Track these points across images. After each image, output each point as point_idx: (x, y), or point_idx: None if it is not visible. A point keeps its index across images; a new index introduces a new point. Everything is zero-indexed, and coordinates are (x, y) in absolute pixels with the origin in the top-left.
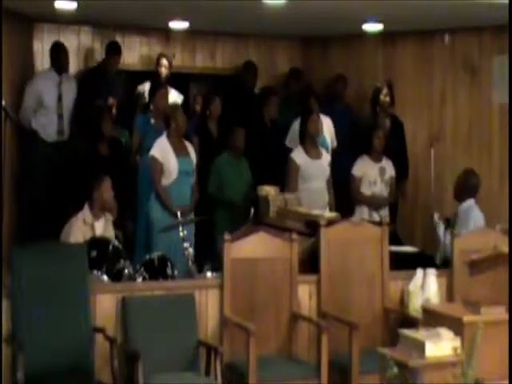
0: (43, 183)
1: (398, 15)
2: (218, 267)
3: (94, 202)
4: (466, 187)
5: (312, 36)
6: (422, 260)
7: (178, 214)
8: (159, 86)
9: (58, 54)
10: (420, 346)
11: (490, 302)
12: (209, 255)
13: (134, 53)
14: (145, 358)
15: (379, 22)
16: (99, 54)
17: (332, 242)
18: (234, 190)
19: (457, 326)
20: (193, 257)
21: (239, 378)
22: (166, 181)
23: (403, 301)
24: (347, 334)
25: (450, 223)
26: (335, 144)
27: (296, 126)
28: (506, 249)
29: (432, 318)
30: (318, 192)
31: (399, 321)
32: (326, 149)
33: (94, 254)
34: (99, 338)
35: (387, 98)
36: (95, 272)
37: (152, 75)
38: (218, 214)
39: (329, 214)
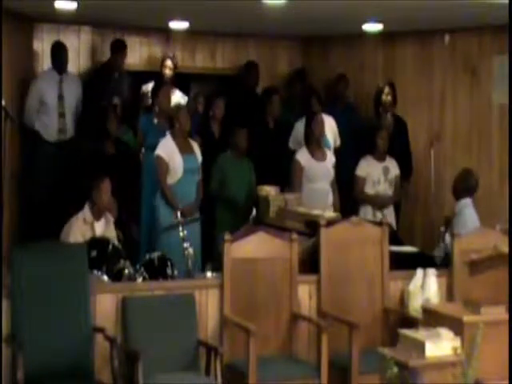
0: (45, 183)
1: (398, 15)
2: (218, 267)
3: (93, 202)
4: (465, 187)
5: (312, 36)
6: (422, 260)
7: (178, 214)
8: (162, 86)
9: (59, 53)
10: (420, 346)
11: (490, 302)
12: (209, 255)
13: (134, 53)
14: (145, 358)
15: (379, 21)
16: (99, 54)
17: (332, 242)
18: (235, 189)
19: (457, 326)
20: (193, 257)
21: (239, 378)
22: (171, 179)
23: (403, 301)
24: (347, 334)
25: (449, 223)
26: (338, 143)
27: (299, 127)
28: (505, 249)
29: (432, 318)
30: (322, 193)
31: (399, 321)
32: (328, 149)
33: (94, 253)
34: (99, 338)
35: (389, 98)
36: (95, 272)
37: (155, 75)
38: (219, 213)
39: (328, 213)
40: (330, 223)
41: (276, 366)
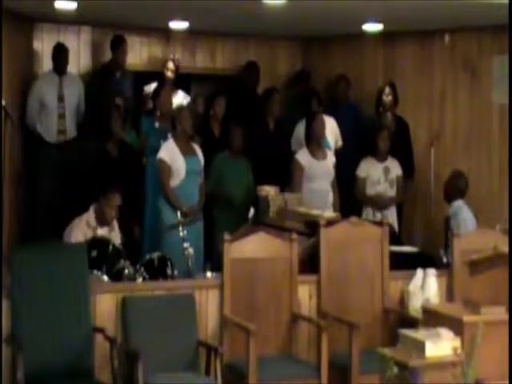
0: (47, 184)
1: (398, 15)
2: (216, 267)
3: (100, 210)
4: (455, 189)
5: (312, 36)
6: (422, 260)
7: (178, 214)
8: (163, 88)
9: (60, 55)
10: (420, 346)
11: (490, 302)
12: (210, 255)
13: (135, 53)
14: (145, 358)
15: (379, 21)
16: (99, 54)
17: (332, 242)
18: (232, 189)
19: (457, 326)
20: (193, 257)
21: (239, 378)
22: (174, 181)
23: (403, 301)
24: (347, 334)
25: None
26: (340, 144)
27: (300, 128)
28: (505, 249)
29: (432, 318)
30: (323, 193)
31: (399, 321)
32: (329, 149)
33: (94, 253)
34: (99, 338)
35: (389, 98)
36: (95, 272)
37: (156, 76)
38: (217, 213)
39: (328, 213)
40: (330, 223)
41: (276, 365)
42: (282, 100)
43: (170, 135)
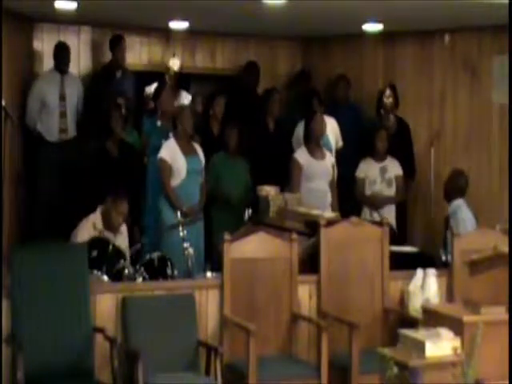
0: (47, 183)
1: (398, 15)
2: (216, 266)
3: (107, 215)
4: (455, 188)
5: (312, 36)
6: (422, 260)
7: (178, 214)
8: (164, 88)
9: (62, 54)
10: (420, 346)
11: (490, 302)
12: (208, 254)
13: (134, 53)
14: (145, 358)
15: (379, 21)
16: (99, 54)
17: (332, 242)
18: (229, 189)
19: (457, 326)
20: (193, 257)
21: (239, 378)
22: (174, 181)
23: (403, 301)
24: (347, 334)
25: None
26: (340, 144)
27: (300, 128)
28: (505, 249)
29: (432, 318)
30: (321, 192)
31: (399, 321)
32: (330, 150)
33: (94, 253)
34: (99, 338)
35: (390, 100)
36: (95, 272)
37: (157, 76)
38: (215, 213)
39: (328, 213)
40: (330, 223)
41: (276, 365)
42: (283, 100)
43: (171, 134)
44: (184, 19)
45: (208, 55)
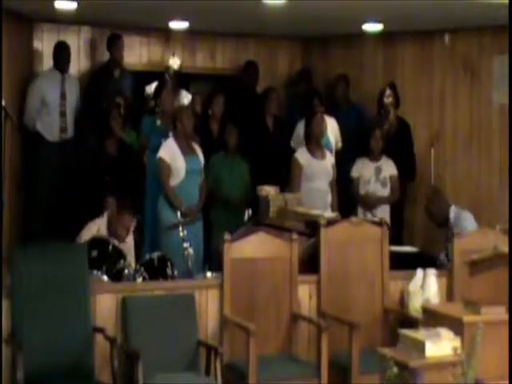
0: (47, 183)
1: (398, 15)
2: (215, 266)
3: (111, 223)
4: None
5: (312, 36)
6: (422, 260)
7: (178, 214)
8: (164, 87)
9: (62, 53)
10: (420, 346)
11: (490, 302)
12: (208, 254)
13: (134, 53)
14: (145, 358)
15: (379, 22)
16: (99, 54)
17: (332, 242)
18: (228, 189)
19: (457, 326)
20: (193, 257)
21: (239, 378)
22: (174, 181)
23: (403, 301)
24: (347, 334)
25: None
26: (340, 145)
27: (300, 127)
28: (506, 249)
29: (432, 318)
30: (321, 192)
31: (399, 321)
32: (330, 150)
33: (94, 253)
34: (99, 337)
35: (390, 100)
36: (95, 272)
37: (156, 76)
38: (214, 213)
39: (328, 213)
40: (330, 223)
41: (276, 365)
42: (282, 99)
43: (170, 134)
44: (184, 19)
45: (208, 55)
